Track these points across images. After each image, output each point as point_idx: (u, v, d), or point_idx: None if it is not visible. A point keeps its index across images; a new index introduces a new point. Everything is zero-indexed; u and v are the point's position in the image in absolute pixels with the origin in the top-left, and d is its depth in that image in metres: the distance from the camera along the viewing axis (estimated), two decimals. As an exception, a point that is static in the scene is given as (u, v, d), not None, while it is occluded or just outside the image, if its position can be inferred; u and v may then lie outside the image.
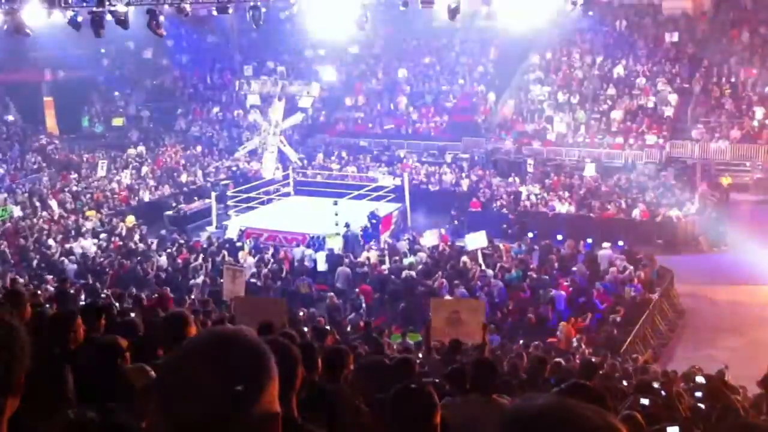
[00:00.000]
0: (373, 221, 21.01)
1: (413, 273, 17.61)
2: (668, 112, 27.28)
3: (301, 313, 14.13)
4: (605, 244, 19.00)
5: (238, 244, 20.17)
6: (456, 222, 22.74)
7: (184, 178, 26.83)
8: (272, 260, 18.99)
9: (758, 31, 28.47)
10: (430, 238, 20.01)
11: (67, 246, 20.08)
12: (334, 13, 20.09)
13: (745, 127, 25.68)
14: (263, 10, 18.78)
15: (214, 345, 1.61)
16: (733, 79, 27.43)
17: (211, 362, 1.57)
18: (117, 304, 10.71)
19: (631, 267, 17.89)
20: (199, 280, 17.54)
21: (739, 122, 25.89)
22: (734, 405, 7.80)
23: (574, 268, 17.97)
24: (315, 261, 19.07)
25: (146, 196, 25.13)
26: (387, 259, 18.82)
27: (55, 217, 22.33)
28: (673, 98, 27.48)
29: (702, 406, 8.07)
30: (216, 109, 33.48)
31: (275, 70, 31.30)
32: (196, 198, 24.94)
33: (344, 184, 24.74)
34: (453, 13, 17.99)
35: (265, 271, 18.17)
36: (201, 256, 19.02)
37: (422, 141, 28.97)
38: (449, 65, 32.39)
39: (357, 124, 30.97)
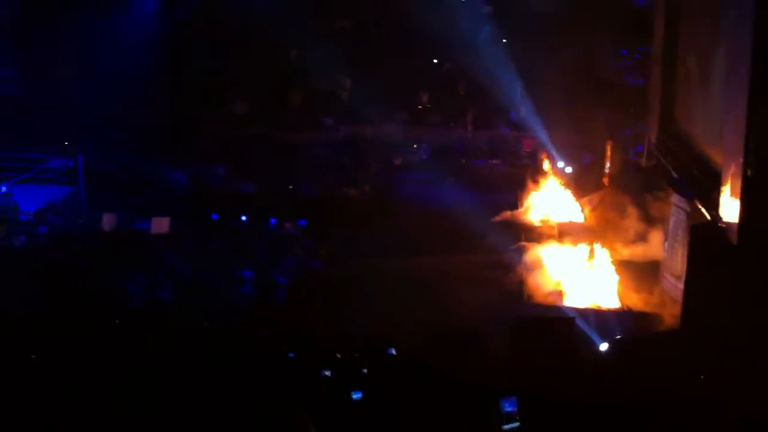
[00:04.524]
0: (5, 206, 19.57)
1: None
2: (344, 95, 28.64)
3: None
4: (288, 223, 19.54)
5: None
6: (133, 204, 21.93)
7: None
8: None
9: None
10: (106, 222, 19.16)
11: None
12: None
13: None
14: None
15: None
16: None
17: None
18: None
19: (314, 244, 18.62)
20: None
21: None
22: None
23: (259, 247, 18.24)
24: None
25: None
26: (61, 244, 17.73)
27: None
28: (347, 82, 28.88)
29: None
30: None
31: None
32: None
33: (11, 165, 22.59)
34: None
35: None
36: None
37: (96, 119, 27.32)
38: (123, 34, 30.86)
39: (15, 99, 28.35)
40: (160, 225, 18.11)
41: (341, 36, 30.24)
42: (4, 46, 28.44)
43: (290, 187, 23.27)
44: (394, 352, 10.58)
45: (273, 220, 19.67)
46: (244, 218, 19.70)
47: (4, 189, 19.72)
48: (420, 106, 28.74)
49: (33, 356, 8.98)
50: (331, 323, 16.66)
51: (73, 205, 21.04)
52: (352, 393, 8.45)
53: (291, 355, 10.19)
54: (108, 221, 18.91)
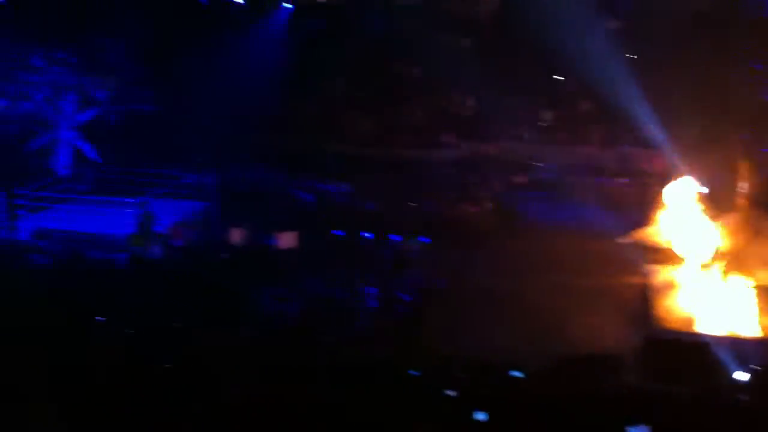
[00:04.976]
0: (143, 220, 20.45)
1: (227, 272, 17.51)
2: (465, 112, 28.66)
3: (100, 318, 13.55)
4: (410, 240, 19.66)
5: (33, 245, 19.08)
6: (263, 219, 22.63)
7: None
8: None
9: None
10: (236, 237, 19.80)
11: None
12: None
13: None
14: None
15: None
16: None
17: None
18: None
19: (436, 261, 18.65)
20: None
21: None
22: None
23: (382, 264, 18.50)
24: (119, 262, 18.37)
25: None
26: (195, 258, 18.49)
27: None
28: (469, 99, 28.89)
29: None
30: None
31: (66, 59, 29.48)
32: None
33: (149, 181, 23.84)
34: None
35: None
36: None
37: (226, 138, 28.43)
38: (250, 59, 31.96)
39: (155, 118, 29.89)
40: (288, 240, 18.59)
41: (463, 54, 30.29)
42: (145, 67, 30.05)
43: (412, 204, 23.41)
44: (519, 374, 10.45)
45: (396, 237, 19.86)
46: (367, 235, 19.98)
47: (142, 203, 20.70)
48: (544, 123, 28.37)
49: (170, 364, 9.41)
50: (452, 342, 16.64)
51: (206, 220, 21.93)
52: (476, 414, 8.42)
53: (414, 373, 10.24)
54: (238, 236, 19.56)
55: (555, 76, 29.33)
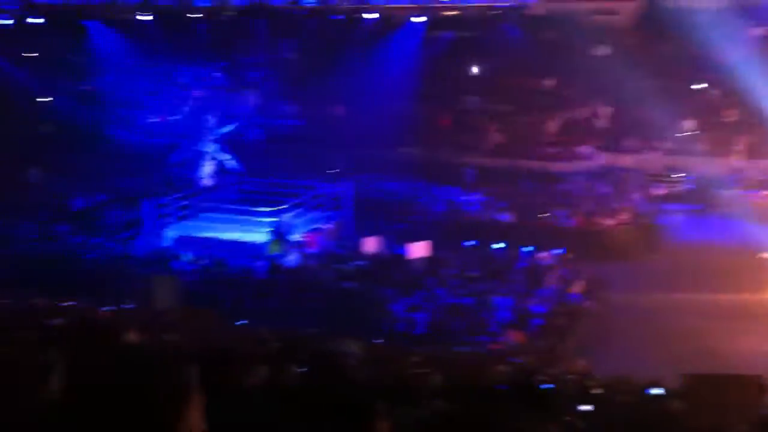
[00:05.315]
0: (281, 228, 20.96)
1: (361, 280, 17.76)
2: (601, 123, 27.97)
3: (241, 322, 14.09)
4: (543, 253, 19.32)
5: (177, 253, 19.97)
6: (396, 229, 22.86)
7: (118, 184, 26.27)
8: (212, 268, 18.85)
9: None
10: (370, 245, 20.07)
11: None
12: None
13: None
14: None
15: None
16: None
17: None
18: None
19: (570, 274, 18.28)
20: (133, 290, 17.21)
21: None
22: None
23: (514, 276, 18.24)
24: (258, 269, 18.99)
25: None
26: (330, 265, 18.84)
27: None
28: (605, 110, 28.17)
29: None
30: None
31: (211, 76, 30.92)
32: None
33: (284, 191, 24.55)
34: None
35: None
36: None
37: (361, 150, 28.93)
38: (385, 75, 32.41)
39: (295, 131, 30.85)
40: (419, 250, 18.67)
41: (601, 64, 29.63)
42: (288, 84, 31.17)
43: (546, 215, 23.05)
44: (658, 391, 10.07)
45: (529, 249, 19.59)
46: (500, 246, 19.81)
47: (279, 212, 21.34)
48: (685, 133, 27.29)
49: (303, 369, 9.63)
50: (586, 356, 16.24)
51: (340, 229, 22.37)
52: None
53: (547, 386, 10.05)
54: (371, 245, 19.83)
55: (697, 85, 28.22)
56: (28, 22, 24.87)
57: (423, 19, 26.35)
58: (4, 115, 30.85)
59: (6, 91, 29.98)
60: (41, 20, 24.86)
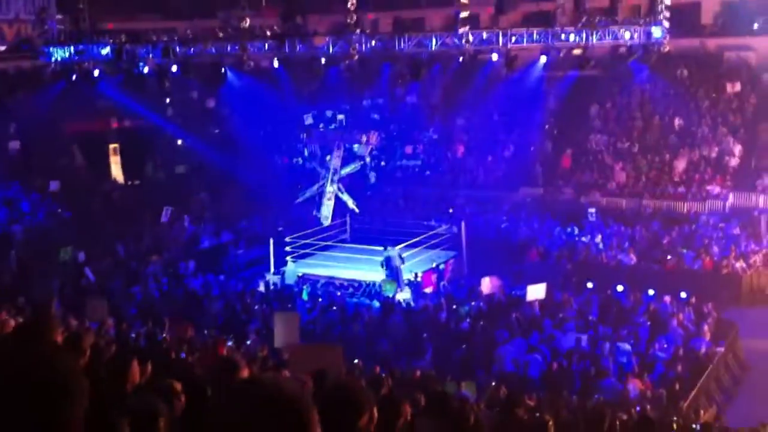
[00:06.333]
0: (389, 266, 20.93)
1: (476, 321, 17.60)
2: (732, 162, 26.82)
3: (356, 361, 14.15)
4: (667, 297, 18.57)
5: (298, 291, 20.49)
6: (514, 270, 22.57)
7: (243, 224, 27.20)
8: (330, 307, 19.13)
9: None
10: (487, 286, 19.86)
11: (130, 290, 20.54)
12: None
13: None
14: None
15: (252, 398, 1.62)
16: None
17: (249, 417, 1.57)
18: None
19: (697, 319, 17.51)
20: (254, 326, 17.65)
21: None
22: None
23: (637, 320, 17.61)
24: (372, 308, 19.13)
25: (206, 242, 25.56)
26: (445, 306, 18.74)
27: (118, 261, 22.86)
28: (736, 148, 27.03)
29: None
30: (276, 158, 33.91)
31: (335, 119, 31.69)
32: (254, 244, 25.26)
33: (401, 231, 24.76)
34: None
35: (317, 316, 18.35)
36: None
37: (479, 190, 28.88)
38: (507, 114, 32.31)
39: (414, 172, 31.15)
40: (537, 292, 18.30)
41: (728, 100, 28.59)
42: (409, 126, 31.83)
43: (670, 258, 22.21)
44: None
45: (652, 292, 18.87)
46: (621, 288, 19.17)
47: (395, 251, 21.43)
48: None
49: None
50: (716, 406, 15.44)
51: (456, 269, 22.29)
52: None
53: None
54: (488, 286, 19.63)
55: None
56: (165, 70, 26.44)
57: (545, 59, 26.18)
58: (145, 157, 32.69)
59: (145, 136, 31.80)
60: (175, 68, 26.40)
